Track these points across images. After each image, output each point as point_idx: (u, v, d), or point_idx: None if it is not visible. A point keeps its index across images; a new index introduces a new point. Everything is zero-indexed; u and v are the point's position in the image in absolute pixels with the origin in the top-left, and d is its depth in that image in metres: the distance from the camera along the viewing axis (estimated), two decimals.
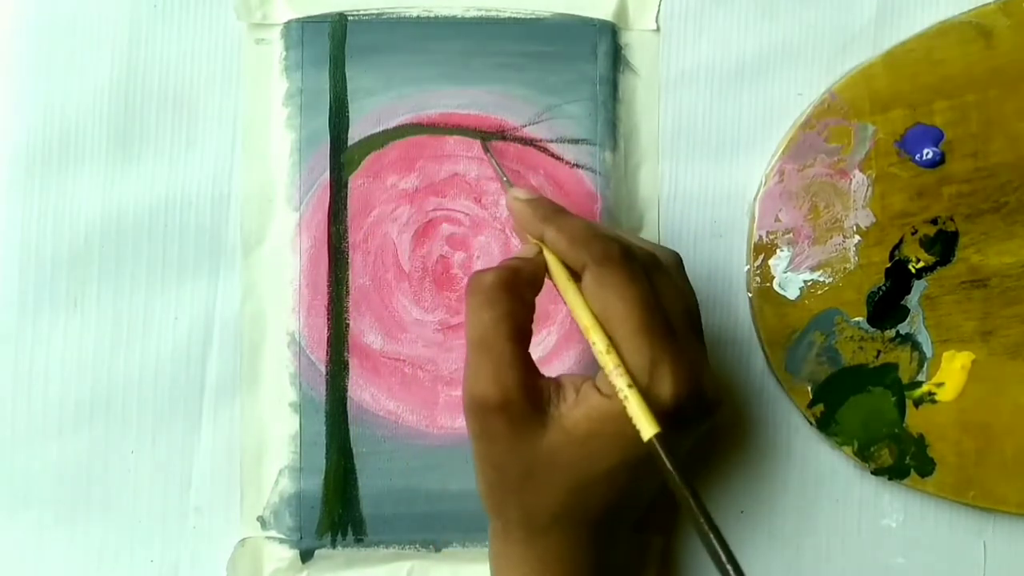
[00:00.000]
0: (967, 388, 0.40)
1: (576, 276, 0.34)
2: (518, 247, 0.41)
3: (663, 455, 0.29)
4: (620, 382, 0.31)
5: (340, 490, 0.41)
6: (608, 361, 0.32)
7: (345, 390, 0.41)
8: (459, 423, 0.41)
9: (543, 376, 0.34)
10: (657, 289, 0.33)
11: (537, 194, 0.36)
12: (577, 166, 0.41)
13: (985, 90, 0.40)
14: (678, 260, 0.36)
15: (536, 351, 0.41)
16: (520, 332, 0.33)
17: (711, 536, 0.28)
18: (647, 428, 0.30)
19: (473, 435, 0.34)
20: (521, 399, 0.32)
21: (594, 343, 0.32)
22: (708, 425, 0.34)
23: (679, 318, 0.33)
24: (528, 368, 0.33)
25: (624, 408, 0.31)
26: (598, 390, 0.32)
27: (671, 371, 0.31)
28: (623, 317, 0.32)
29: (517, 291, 0.33)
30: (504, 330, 0.33)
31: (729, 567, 0.28)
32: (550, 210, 0.35)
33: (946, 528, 0.41)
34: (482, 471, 0.34)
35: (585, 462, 0.32)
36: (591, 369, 0.36)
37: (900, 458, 0.40)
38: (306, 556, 0.41)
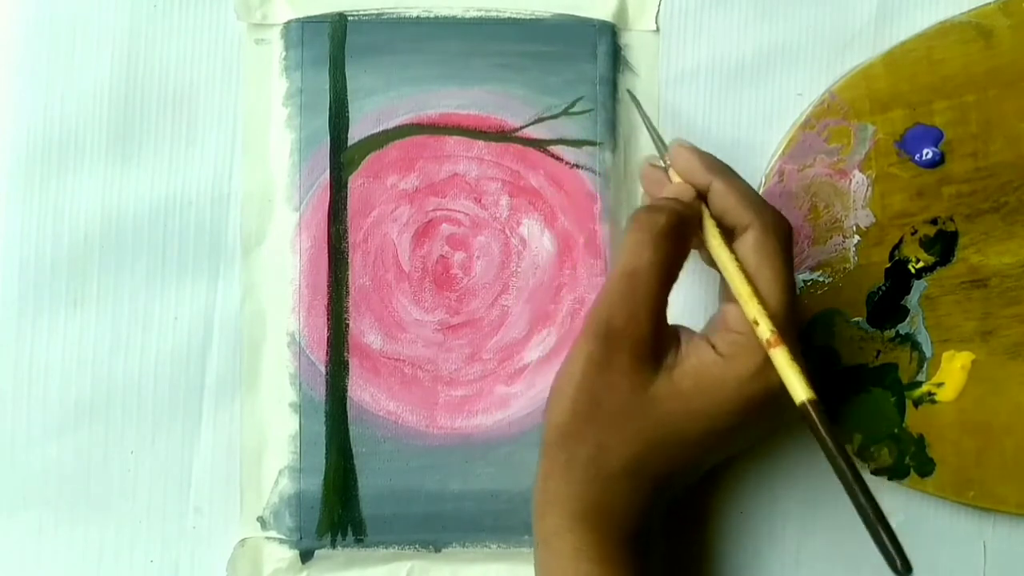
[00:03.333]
0: (967, 388, 0.40)
1: (727, 235, 0.34)
2: (517, 247, 0.41)
3: (818, 421, 0.29)
4: (772, 336, 0.32)
5: (340, 490, 0.41)
6: (760, 313, 0.32)
7: (345, 390, 0.41)
8: (459, 423, 0.41)
9: (668, 326, 0.34)
10: (792, 271, 0.34)
11: (701, 150, 0.36)
12: (577, 166, 0.41)
13: (985, 90, 0.40)
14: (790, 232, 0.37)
15: (536, 351, 0.41)
16: (670, 280, 0.34)
17: (862, 499, 0.28)
18: (800, 391, 0.30)
19: (583, 357, 0.33)
20: (650, 341, 0.33)
21: (746, 295, 0.33)
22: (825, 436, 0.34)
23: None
24: (662, 316, 0.34)
25: (740, 373, 0.32)
26: (713, 347, 0.33)
27: (792, 345, 0.32)
28: (771, 291, 0.33)
29: (682, 239, 0.34)
30: (659, 274, 0.33)
31: (884, 536, 0.27)
32: (720, 165, 0.36)
33: (946, 528, 0.41)
34: (572, 397, 0.34)
35: (680, 419, 0.33)
36: None
37: (900, 458, 0.40)
38: (306, 556, 0.41)
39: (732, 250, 0.34)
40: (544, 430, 0.35)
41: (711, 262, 0.36)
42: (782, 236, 0.34)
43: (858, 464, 0.40)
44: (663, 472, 0.34)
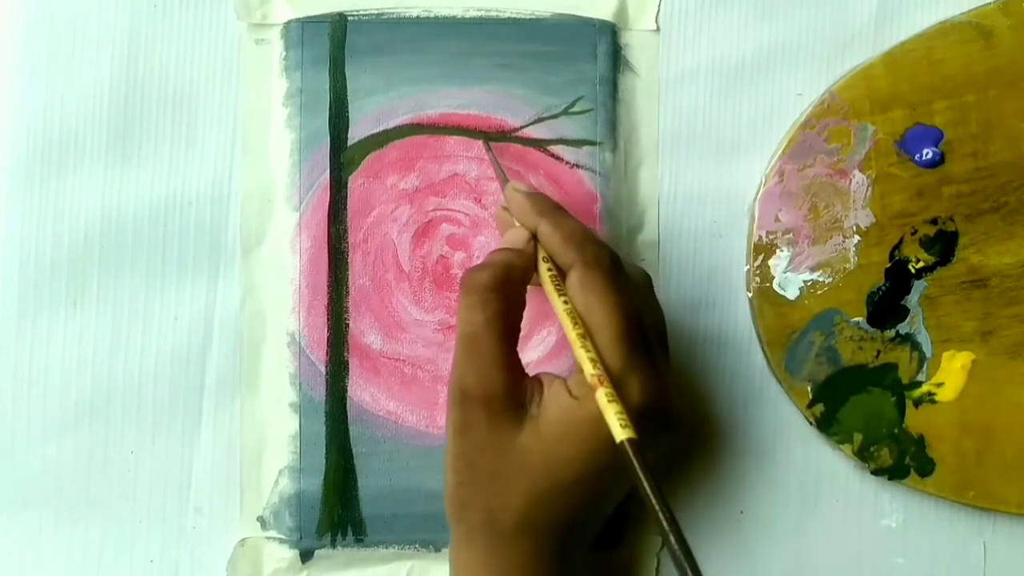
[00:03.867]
0: (967, 388, 0.40)
1: (562, 275, 0.34)
2: None
3: (633, 458, 0.29)
4: (592, 375, 0.31)
5: (340, 490, 0.41)
6: (584, 358, 0.32)
7: (345, 390, 0.41)
8: None
9: (527, 376, 0.34)
10: (635, 306, 0.34)
11: (536, 190, 0.37)
12: (577, 166, 0.41)
13: (985, 90, 0.40)
14: (649, 279, 0.37)
15: (536, 351, 0.41)
16: (510, 331, 0.34)
17: (676, 546, 0.27)
18: (619, 431, 0.30)
19: (452, 426, 0.34)
20: (504, 396, 0.33)
21: (572, 337, 0.32)
22: (668, 444, 0.35)
23: (652, 335, 0.34)
24: (514, 367, 0.34)
25: (594, 413, 0.31)
26: (568, 391, 0.33)
27: (640, 382, 0.32)
28: (603, 322, 0.32)
29: (510, 290, 0.34)
30: (495, 330, 0.33)
31: (687, 565, 0.27)
32: (548, 205, 0.36)
33: (946, 528, 0.41)
34: (454, 467, 0.34)
35: (553, 467, 0.33)
36: None
37: (900, 458, 0.40)
38: (306, 556, 0.41)
39: (564, 292, 0.34)
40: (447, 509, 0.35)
41: None
42: (606, 267, 0.33)
43: (858, 464, 0.41)
44: (559, 522, 0.34)
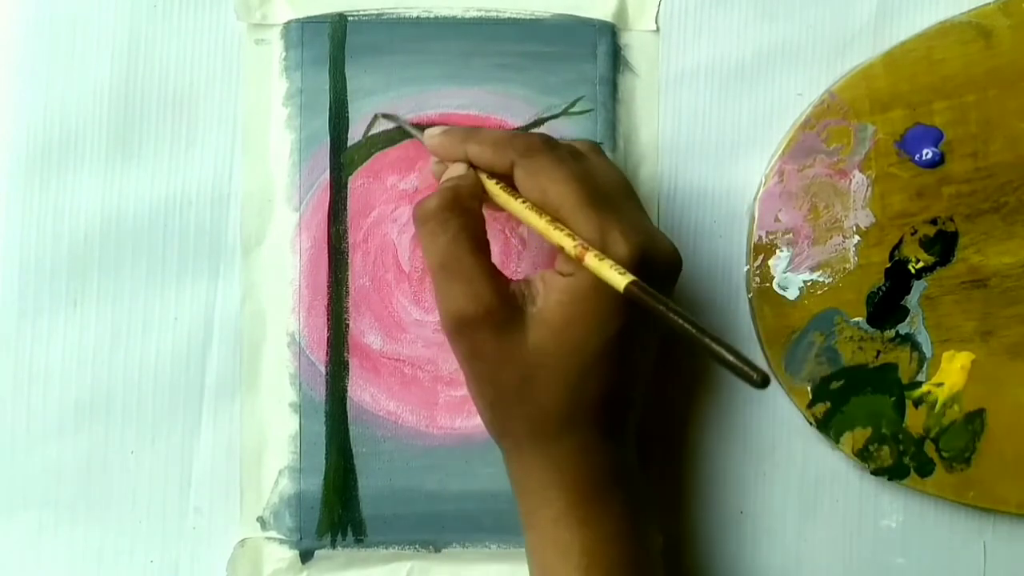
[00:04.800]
0: (967, 388, 0.40)
1: (508, 183, 0.35)
2: (517, 247, 0.41)
3: (643, 296, 0.29)
4: (574, 247, 0.31)
5: (340, 490, 0.41)
6: (560, 236, 0.32)
7: (345, 390, 0.41)
8: (459, 423, 0.41)
9: (512, 280, 0.34)
10: (585, 169, 0.34)
11: (448, 126, 0.37)
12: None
13: (985, 90, 0.40)
14: (596, 145, 0.38)
15: None
16: (479, 244, 0.34)
17: (714, 344, 0.27)
18: (619, 280, 0.30)
19: (463, 358, 0.34)
20: (498, 306, 0.33)
21: (541, 227, 0.33)
22: (670, 287, 0.35)
23: (614, 190, 0.34)
24: (496, 276, 0.34)
25: (590, 281, 0.31)
26: (559, 274, 0.33)
27: (621, 232, 0.32)
28: (562, 195, 0.33)
29: (464, 206, 0.34)
30: (464, 246, 0.33)
31: (734, 357, 0.27)
32: (465, 131, 0.36)
33: (946, 528, 0.41)
34: (480, 394, 0.35)
35: (572, 352, 0.33)
36: None
37: (900, 458, 0.40)
38: (306, 556, 0.41)
39: (515, 194, 0.34)
40: (489, 433, 0.36)
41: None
42: (541, 149, 0.34)
43: (858, 464, 0.41)
44: (596, 403, 0.34)
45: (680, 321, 0.28)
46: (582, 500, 0.34)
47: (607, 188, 0.34)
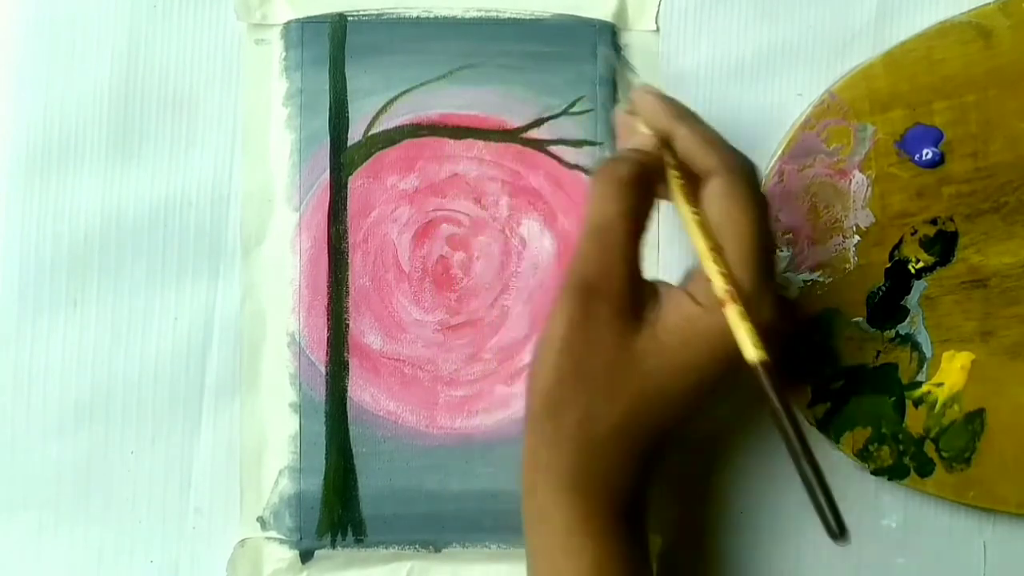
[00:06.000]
0: (967, 388, 0.40)
1: (691, 184, 0.33)
2: (517, 248, 0.41)
3: (768, 382, 0.29)
4: (724, 291, 0.31)
5: (340, 490, 0.41)
6: (716, 275, 0.31)
7: (345, 390, 0.41)
8: (459, 423, 0.41)
9: (645, 280, 0.33)
10: (768, 218, 0.33)
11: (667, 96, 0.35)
12: (577, 167, 0.41)
13: (985, 90, 0.40)
14: (767, 202, 0.35)
15: None
16: (640, 230, 0.33)
17: (806, 466, 0.28)
18: (751, 352, 0.29)
19: (566, 319, 0.32)
20: (627, 294, 0.32)
21: (701, 248, 0.32)
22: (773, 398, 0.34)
23: (773, 253, 0.34)
24: (637, 267, 0.33)
25: (719, 325, 0.31)
26: (692, 298, 0.32)
27: (769, 304, 0.31)
28: (742, 233, 0.31)
29: (647, 187, 0.33)
30: (627, 225, 0.33)
31: (826, 503, 0.27)
32: (683, 109, 0.34)
33: (946, 528, 0.41)
34: (555, 362, 0.33)
35: (668, 373, 0.32)
36: None
37: (900, 458, 0.40)
38: (306, 557, 0.41)
39: (694, 201, 0.33)
40: (528, 401, 0.34)
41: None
42: (749, 176, 0.33)
43: (858, 464, 0.41)
44: (651, 432, 0.33)
45: (790, 430, 0.28)
46: (598, 514, 0.33)
47: (770, 250, 0.33)
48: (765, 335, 0.31)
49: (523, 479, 0.34)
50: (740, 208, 0.32)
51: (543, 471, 0.33)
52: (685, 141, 0.33)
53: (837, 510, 0.27)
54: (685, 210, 0.33)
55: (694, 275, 0.33)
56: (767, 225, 0.32)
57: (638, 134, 0.35)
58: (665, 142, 0.34)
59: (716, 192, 0.32)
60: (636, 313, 0.32)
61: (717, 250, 0.32)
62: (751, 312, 0.31)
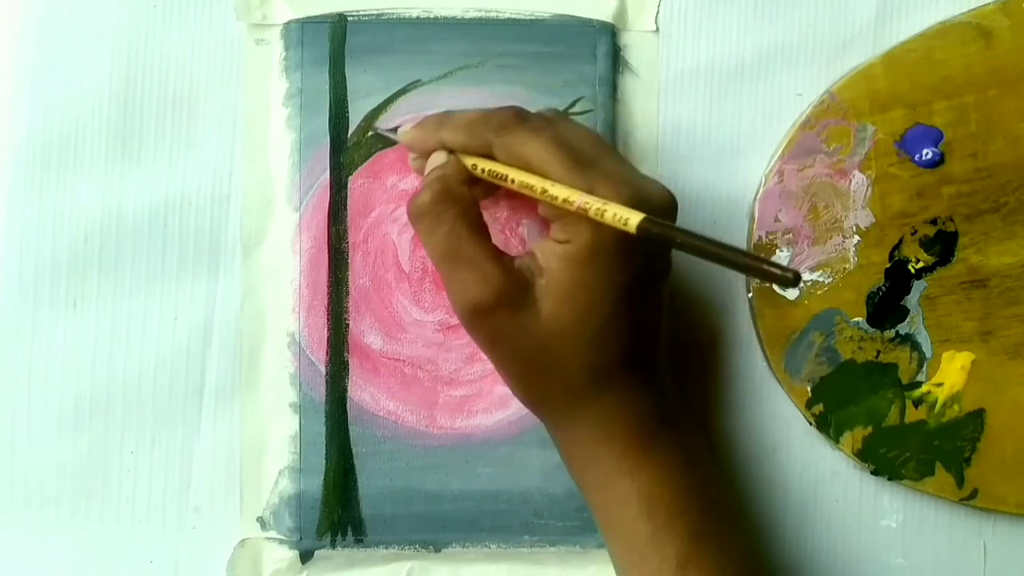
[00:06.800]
0: (967, 388, 0.40)
1: (490, 159, 0.35)
2: (517, 247, 0.41)
3: (658, 230, 0.30)
4: (576, 204, 0.31)
5: (340, 491, 0.41)
6: (557, 193, 0.32)
7: (345, 390, 0.41)
8: (459, 423, 0.41)
9: (515, 257, 0.34)
10: (560, 133, 0.34)
11: (417, 118, 0.37)
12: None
13: (985, 90, 0.40)
14: (562, 112, 0.37)
15: None
16: (478, 228, 0.34)
17: (739, 256, 0.28)
18: (633, 219, 0.30)
19: (484, 343, 0.35)
20: (508, 286, 0.33)
21: (538, 192, 0.33)
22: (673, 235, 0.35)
23: (591, 148, 0.34)
24: (501, 256, 0.34)
25: (588, 244, 0.32)
26: (556, 242, 0.33)
27: (609, 186, 0.32)
28: (544, 163, 0.33)
29: (456, 195, 0.34)
30: (464, 233, 0.34)
31: (764, 265, 0.27)
32: (435, 118, 0.37)
33: (946, 528, 0.41)
34: (508, 373, 0.35)
35: (585, 314, 0.33)
36: None
37: (900, 458, 0.40)
38: (306, 557, 0.41)
39: (503, 174, 0.34)
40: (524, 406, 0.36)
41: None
42: (513, 122, 0.34)
43: (858, 464, 0.41)
44: (621, 358, 0.34)
45: (699, 243, 0.29)
46: (628, 451, 0.35)
47: (585, 147, 0.34)
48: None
49: (568, 467, 0.37)
50: (526, 148, 0.33)
51: (566, 447, 0.36)
52: (452, 139, 0.35)
53: (775, 263, 0.28)
54: (506, 185, 0.34)
55: (552, 225, 0.34)
56: (560, 138, 0.33)
57: (432, 157, 0.36)
58: (449, 151, 0.36)
59: (501, 155, 0.34)
60: (526, 293, 0.33)
61: (546, 184, 0.33)
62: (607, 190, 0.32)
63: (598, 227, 0.32)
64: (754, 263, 0.28)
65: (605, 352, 0.34)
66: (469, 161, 0.35)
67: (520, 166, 0.33)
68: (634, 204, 0.31)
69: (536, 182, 0.33)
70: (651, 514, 0.34)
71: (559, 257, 0.33)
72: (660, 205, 0.34)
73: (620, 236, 0.31)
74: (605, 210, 0.31)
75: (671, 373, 0.38)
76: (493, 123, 0.34)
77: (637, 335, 0.35)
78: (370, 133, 0.41)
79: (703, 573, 0.34)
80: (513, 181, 0.34)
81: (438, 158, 0.36)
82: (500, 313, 0.33)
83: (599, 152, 0.34)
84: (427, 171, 0.36)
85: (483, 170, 0.35)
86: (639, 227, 0.30)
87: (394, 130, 0.39)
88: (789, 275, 0.27)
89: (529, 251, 0.34)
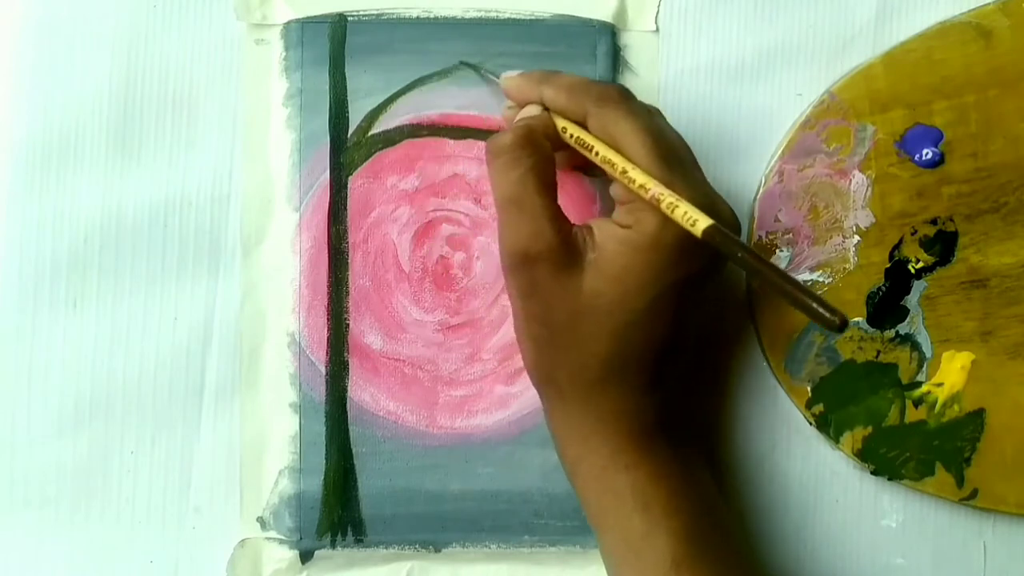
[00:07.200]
0: (967, 388, 0.40)
1: (582, 127, 0.35)
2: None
3: (722, 240, 0.30)
4: (651, 192, 0.32)
5: (340, 491, 0.41)
6: (637, 176, 0.32)
7: (345, 390, 0.41)
8: (459, 423, 0.41)
9: (574, 224, 0.34)
10: (657, 125, 0.34)
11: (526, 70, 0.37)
12: (577, 167, 0.41)
13: (985, 90, 0.40)
14: (658, 111, 0.37)
15: None
16: (548, 184, 0.34)
17: (790, 287, 0.28)
18: (701, 222, 0.30)
19: (518, 293, 0.35)
20: (560, 246, 0.33)
21: (618, 170, 0.33)
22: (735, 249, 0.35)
23: (681, 150, 0.35)
24: (561, 218, 0.34)
25: (650, 235, 0.32)
26: (618, 224, 0.33)
27: (687, 187, 0.32)
28: (633, 146, 0.33)
29: (537, 145, 0.34)
30: (533, 184, 0.34)
31: (815, 303, 0.27)
32: (542, 74, 0.36)
33: (946, 528, 0.41)
34: (529, 334, 0.35)
35: (624, 300, 0.33)
36: None
37: (900, 458, 0.40)
38: (306, 557, 0.41)
39: (590, 145, 0.34)
40: (530, 378, 0.36)
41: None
42: (616, 99, 0.34)
43: (858, 464, 0.41)
44: (643, 356, 0.34)
45: (758, 264, 0.29)
46: (626, 447, 0.35)
47: (675, 147, 0.34)
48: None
49: (555, 444, 0.37)
50: (621, 128, 0.33)
51: (561, 431, 0.36)
52: (552, 99, 0.35)
53: (827, 304, 0.27)
54: (587, 138, 0.34)
55: (617, 207, 0.35)
56: (657, 129, 0.34)
57: (525, 108, 0.37)
58: (544, 107, 0.36)
59: (595, 126, 0.34)
60: (575, 260, 0.34)
61: (628, 166, 0.33)
62: (684, 191, 0.32)
63: (664, 221, 0.32)
64: (804, 298, 0.28)
65: (628, 345, 0.34)
66: (560, 123, 0.35)
67: (608, 142, 0.34)
68: (705, 211, 0.32)
69: (619, 160, 0.33)
70: (646, 510, 0.34)
71: (618, 240, 0.33)
72: (727, 219, 0.34)
73: (682, 236, 0.32)
74: (677, 206, 0.31)
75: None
76: (594, 93, 0.34)
77: (663, 338, 0.34)
78: (472, 71, 0.41)
79: (697, 574, 0.34)
80: (597, 154, 0.34)
81: (532, 110, 0.36)
82: (543, 267, 0.33)
83: (685, 156, 0.35)
84: (517, 119, 0.36)
85: (572, 135, 0.35)
86: (705, 231, 0.30)
87: (496, 74, 0.39)
88: (836, 320, 0.27)
89: (587, 224, 0.34)
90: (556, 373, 0.35)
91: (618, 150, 0.33)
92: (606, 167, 0.34)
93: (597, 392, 0.35)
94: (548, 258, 0.33)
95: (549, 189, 0.34)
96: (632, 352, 0.34)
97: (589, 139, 0.34)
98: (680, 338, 0.35)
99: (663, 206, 0.32)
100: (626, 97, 0.35)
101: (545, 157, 0.35)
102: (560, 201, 0.36)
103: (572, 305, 0.33)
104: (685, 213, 0.31)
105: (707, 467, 0.38)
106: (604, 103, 0.34)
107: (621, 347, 0.34)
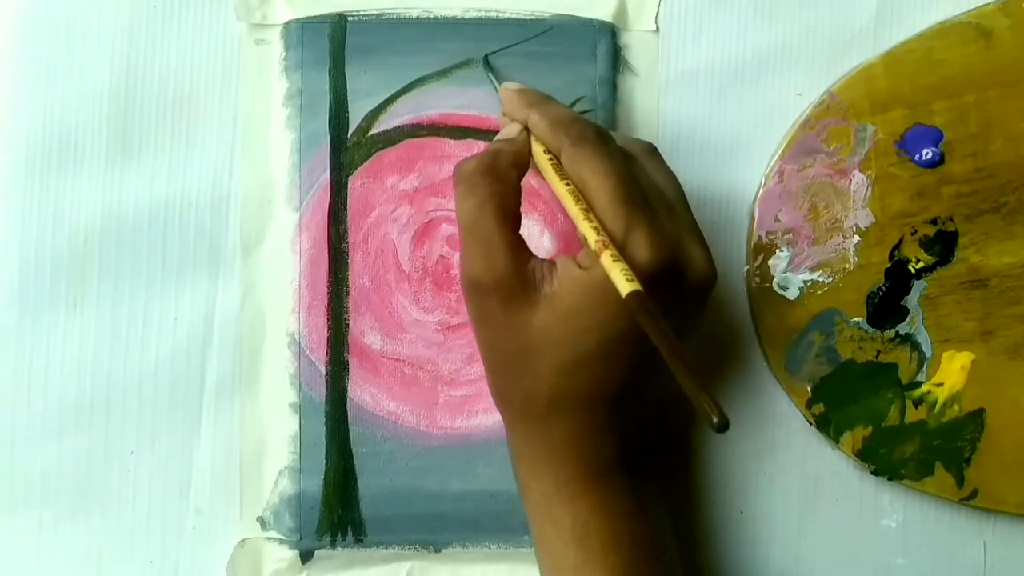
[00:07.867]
0: (967, 388, 0.40)
1: (557, 161, 0.35)
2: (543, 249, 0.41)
3: (641, 310, 0.29)
4: (596, 242, 0.31)
5: (340, 491, 0.41)
6: (587, 227, 0.32)
7: (345, 390, 0.41)
8: (459, 423, 0.41)
9: (535, 257, 0.34)
10: (631, 170, 0.34)
11: (529, 88, 0.37)
12: None
13: (985, 90, 0.40)
14: (654, 148, 0.37)
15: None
16: (506, 213, 0.34)
17: (693, 384, 0.28)
18: (624, 285, 0.30)
19: (472, 318, 0.35)
20: (511, 278, 0.33)
21: (573, 212, 0.33)
22: (700, 301, 0.35)
23: (657, 196, 0.34)
24: (517, 248, 0.34)
25: (603, 280, 0.31)
26: (577, 264, 0.33)
27: (647, 237, 0.32)
28: (598, 188, 0.33)
29: (499, 174, 0.34)
30: (489, 212, 0.33)
31: (705, 396, 0.27)
32: (536, 97, 0.36)
33: (946, 528, 0.41)
34: (485, 357, 0.35)
35: (572, 339, 0.33)
36: None
37: (900, 458, 0.40)
38: (306, 557, 0.41)
39: (564, 175, 0.34)
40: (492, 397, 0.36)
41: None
42: (591, 141, 0.34)
43: (858, 464, 0.41)
44: (591, 395, 0.34)
45: (664, 344, 0.28)
46: (573, 478, 0.35)
47: (650, 192, 0.34)
48: (645, 271, 0.31)
49: (512, 463, 0.37)
50: (587, 169, 0.33)
51: (515, 455, 0.36)
52: (535, 125, 0.35)
53: (715, 402, 0.27)
54: (556, 184, 0.34)
55: (583, 246, 0.34)
56: (626, 174, 0.33)
57: (508, 124, 0.37)
58: (527, 128, 0.36)
59: (567, 164, 0.34)
60: (527, 294, 0.33)
61: (587, 210, 0.33)
62: (623, 253, 0.31)
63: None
64: (696, 393, 0.27)
65: (573, 384, 0.34)
66: (537, 151, 0.35)
67: (576, 181, 0.33)
68: (660, 264, 0.32)
69: (574, 203, 0.33)
70: (582, 543, 0.34)
71: (573, 279, 0.33)
72: (694, 276, 0.34)
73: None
74: (615, 264, 0.31)
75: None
76: (574, 132, 0.34)
77: (611, 382, 0.34)
78: (484, 69, 0.41)
79: None
80: (563, 189, 0.33)
81: (511, 130, 0.36)
82: (493, 299, 0.33)
83: (660, 202, 0.34)
84: (495, 138, 0.36)
85: (545, 162, 0.35)
86: (628, 295, 0.30)
87: (499, 80, 0.39)
88: (718, 422, 0.27)
89: (552, 259, 0.34)
90: (509, 399, 0.35)
91: (583, 190, 0.33)
92: (566, 206, 0.33)
93: (548, 422, 0.34)
94: (497, 289, 0.33)
95: (507, 218, 0.34)
96: (580, 390, 0.34)
97: (555, 176, 0.34)
98: (631, 386, 0.35)
99: (602, 259, 0.31)
100: (603, 139, 0.34)
101: (507, 186, 0.34)
102: (559, 201, 0.36)
103: (520, 337, 0.33)
104: (622, 271, 0.30)
105: (663, 505, 0.37)
106: (580, 143, 0.34)
107: (564, 383, 0.34)
